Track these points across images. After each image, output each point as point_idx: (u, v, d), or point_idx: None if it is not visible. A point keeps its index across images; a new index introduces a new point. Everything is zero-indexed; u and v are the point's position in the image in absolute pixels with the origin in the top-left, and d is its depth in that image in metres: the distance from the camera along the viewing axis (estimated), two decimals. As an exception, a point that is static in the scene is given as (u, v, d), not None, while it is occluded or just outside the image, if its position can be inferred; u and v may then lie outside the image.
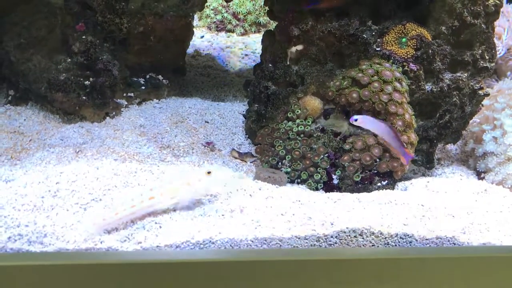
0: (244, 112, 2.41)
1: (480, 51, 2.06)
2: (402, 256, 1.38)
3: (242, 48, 3.62)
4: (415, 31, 1.97)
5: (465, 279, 1.37)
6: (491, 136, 2.12)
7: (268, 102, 2.13)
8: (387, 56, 1.97)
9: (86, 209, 1.45)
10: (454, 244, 1.48)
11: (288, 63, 2.12)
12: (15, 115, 2.17)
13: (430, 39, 1.97)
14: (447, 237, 1.48)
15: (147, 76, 2.45)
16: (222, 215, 1.48)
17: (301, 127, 1.99)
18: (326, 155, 1.91)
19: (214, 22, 3.95)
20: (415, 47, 1.96)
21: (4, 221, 1.33)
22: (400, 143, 1.78)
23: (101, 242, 1.31)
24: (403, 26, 1.98)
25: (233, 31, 3.94)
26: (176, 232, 1.37)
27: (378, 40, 2.00)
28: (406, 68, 1.96)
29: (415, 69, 1.96)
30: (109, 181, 1.60)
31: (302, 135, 1.98)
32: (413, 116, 1.93)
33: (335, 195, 1.75)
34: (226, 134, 2.25)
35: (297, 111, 2.02)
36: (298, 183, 1.92)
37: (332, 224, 1.46)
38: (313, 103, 2.02)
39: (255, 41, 3.75)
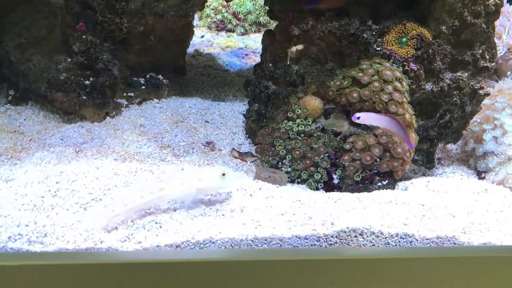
0: (244, 112, 2.41)
1: (480, 51, 2.06)
2: (403, 256, 1.38)
3: (242, 48, 3.62)
4: (416, 30, 1.97)
5: (465, 279, 1.37)
6: (491, 135, 2.12)
7: (268, 102, 2.13)
8: (387, 56, 1.97)
9: (86, 208, 1.45)
10: (455, 244, 1.48)
11: (288, 62, 2.12)
12: (15, 115, 2.17)
13: (431, 39, 1.97)
14: (447, 237, 1.48)
15: (147, 76, 2.45)
16: (223, 214, 1.48)
17: (301, 127, 1.99)
18: (326, 154, 1.91)
19: (214, 21, 3.95)
20: (415, 46, 1.96)
21: (4, 221, 1.33)
22: (404, 132, 1.80)
23: (101, 242, 1.31)
24: (403, 26, 1.98)
25: (233, 31, 3.94)
26: (176, 231, 1.37)
27: (379, 39, 2.00)
28: (406, 67, 1.96)
29: (416, 69, 1.96)
30: (109, 180, 1.60)
31: (302, 135, 1.98)
32: (414, 116, 1.93)
33: (335, 194, 1.75)
34: (226, 133, 2.25)
35: (298, 111, 2.02)
36: (298, 182, 1.91)
37: (332, 224, 1.46)
38: (314, 102, 2.02)
39: (255, 40, 3.75)
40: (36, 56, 2.18)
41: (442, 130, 2.07)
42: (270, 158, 1.96)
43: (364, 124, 1.92)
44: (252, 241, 1.37)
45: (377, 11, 2.05)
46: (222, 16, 3.94)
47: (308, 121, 2.00)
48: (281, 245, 1.39)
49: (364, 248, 1.45)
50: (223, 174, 1.48)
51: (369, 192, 1.82)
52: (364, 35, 1.97)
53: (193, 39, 2.78)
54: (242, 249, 1.36)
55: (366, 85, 1.90)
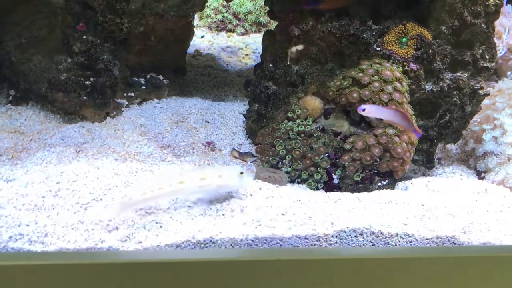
0: (245, 112, 2.41)
1: (480, 51, 2.06)
2: (403, 256, 1.38)
3: (243, 48, 3.62)
4: (415, 31, 1.97)
5: (465, 279, 1.37)
6: (491, 135, 2.12)
7: (269, 102, 2.13)
8: (387, 56, 1.97)
9: (86, 208, 1.45)
10: (455, 243, 1.48)
11: (288, 63, 2.13)
12: (15, 115, 2.17)
13: (431, 39, 1.98)
14: (447, 237, 1.48)
15: (148, 76, 2.46)
16: (223, 214, 1.48)
17: (301, 127, 1.99)
18: (326, 154, 1.91)
19: (215, 22, 3.95)
20: (415, 47, 1.97)
21: (5, 221, 1.33)
22: (409, 123, 1.81)
23: (101, 242, 1.31)
24: (403, 26, 1.98)
25: (233, 31, 3.94)
26: (177, 231, 1.37)
27: (379, 40, 2.00)
28: (406, 68, 1.96)
29: (415, 69, 1.96)
30: (109, 180, 1.60)
31: (302, 135, 1.98)
32: (413, 116, 1.94)
33: (335, 194, 1.75)
34: (227, 134, 2.25)
35: (298, 111, 2.02)
36: (298, 182, 1.92)
37: (332, 223, 1.46)
38: (314, 103, 2.02)
39: (255, 41, 3.75)
40: (37, 56, 2.18)
41: (442, 130, 2.07)
42: (270, 158, 1.96)
43: (364, 124, 1.93)
44: (252, 241, 1.38)
45: (377, 11, 2.05)
46: (222, 16, 3.94)
47: (308, 121, 2.00)
48: (281, 245, 1.40)
49: (364, 248, 1.45)
50: (241, 173, 1.52)
51: (369, 192, 1.82)
52: (364, 35, 1.98)
53: (193, 39, 2.78)
54: (242, 249, 1.37)
55: (366, 85, 1.90)
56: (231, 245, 1.36)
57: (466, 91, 2.05)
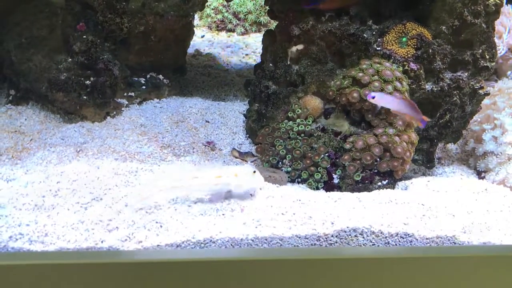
0: (245, 112, 2.41)
1: (480, 51, 2.06)
2: (403, 255, 1.38)
3: (243, 48, 3.62)
4: (416, 30, 1.97)
5: (465, 279, 1.37)
6: (491, 135, 2.12)
7: (269, 102, 2.13)
8: (387, 56, 1.97)
9: (87, 208, 1.46)
10: (455, 243, 1.48)
11: (288, 62, 2.13)
12: (16, 115, 2.17)
13: (431, 39, 1.98)
14: (447, 237, 1.48)
15: (148, 76, 2.46)
16: (223, 214, 1.49)
17: (301, 127, 1.99)
18: (326, 154, 1.91)
19: (215, 21, 3.95)
20: (415, 46, 1.97)
21: (6, 220, 1.33)
22: (416, 110, 1.82)
23: (102, 242, 1.31)
24: (403, 26, 1.98)
25: (233, 31, 3.94)
26: (177, 231, 1.37)
27: (379, 39, 2.00)
28: (406, 67, 1.96)
29: (416, 69, 1.96)
30: (109, 180, 1.61)
31: (302, 135, 1.98)
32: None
33: (335, 194, 1.75)
34: (227, 133, 2.26)
35: (298, 111, 2.02)
36: (298, 182, 1.92)
37: (332, 223, 1.46)
38: (314, 102, 2.02)
39: (255, 40, 3.75)
40: (37, 56, 2.18)
41: (442, 130, 2.07)
42: (271, 158, 1.96)
43: (364, 124, 1.93)
44: (253, 240, 1.38)
45: (377, 10, 2.05)
46: (223, 16, 3.94)
47: (308, 121, 2.00)
48: (281, 245, 1.40)
49: (364, 247, 1.45)
50: (254, 172, 1.56)
51: (369, 191, 1.82)
52: (364, 35, 1.98)
53: (193, 39, 2.78)
54: (242, 249, 1.37)
55: (366, 85, 1.90)
56: (231, 245, 1.36)
57: (466, 90, 2.05)
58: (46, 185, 1.54)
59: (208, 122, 2.32)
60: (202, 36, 3.79)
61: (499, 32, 2.73)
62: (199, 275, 1.25)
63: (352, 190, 1.84)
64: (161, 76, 2.49)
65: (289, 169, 1.92)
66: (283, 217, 1.48)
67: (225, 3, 3.94)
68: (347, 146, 1.89)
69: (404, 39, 1.98)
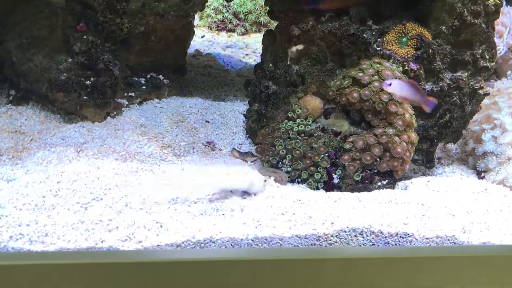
0: (245, 112, 2.41)
1: (480, 51, 2.06)
2: (403, 255, 1.38)
3: (243, 48, 3.62)
4: (415, 30, 1.97)
5: (465, 279, 1.37)
6: (491, 135, 2.12)
7: (269, 102, 2.13)
8: (387, 56, 1.97)
9: (87, 208, 1.46)
10: (454, 243, 1.48)
11: (288, 62, 2.13)
12: (16, 115, 2.17)
13: (430, 39, 1.98)
14: (447, 236, 1.48)
15: (148, 76, 2.46)
16: (223, 214, 1.49)
17: (301, 127, 1.99)
18: (326, 154, 1.92)
19: (215, 21, 3.96)
20: (415, 46, 1.97)
21: (6, 220, 1.34)
22: (422, 94, 1.82)
23: (102, 241, 1.31)
24: (403, 26, 1.98)
25: (233, 31, 3.94)
26: (177, 231, 1.37)
27: (379, 39, 2.00)
28: (406, 67, 1.96)
29: (415, 69, 1.96)
30: (110, 180, 1.61)
31: (302, 135, 1.99)
32: (413, 116, 1.94)
33: (335, 194, 1.75)
34: (227, 133, 2.26)
35: (298, 111, 2.02)
36: (298, 182, 1.92)
37: (332, 223, 1.46)
38: (314, 102, 2.02)
39: (255, 40, 3.76)
40: (37, 56, 2.19)
41: (442, 130, 2.07)
42: (270, 158, 1.96)
43: (364, 124, 1.93)
44: (253, 240, 1.38)
45: (377, 10, 2.05)
46: (223, 16, 3.94)
47: (308, 121, 2.01)
48: (281, 245, 1.40)
49: (364, 247, 1.45)
50: (265, 180, 1.63)
51: (369, 191, 1.82)
52: (364, 35, 1.98)
53: (193, 39, 2.79)
54: (242, 249, 1.37)
55: (366, 85, 1.90)
56: (231, 244, 1.37)
57: (466, 90, 2.05)
58: (46, 185, 1.54)
59: (208, 122, 2.32)
60: (202, 36, 3.80)
61: (500, 32, 2.73)
62: (199, 275, 1.25)
63: (352, 190, 1.84)
64: (161, 76, 2.49)
65: (289, 169, 1.93)
66: (283, 217, 1.49)
67: (225, 3, 3.95)
68: (347, 146, 1.89)
69: (404, 39, 1.98)
